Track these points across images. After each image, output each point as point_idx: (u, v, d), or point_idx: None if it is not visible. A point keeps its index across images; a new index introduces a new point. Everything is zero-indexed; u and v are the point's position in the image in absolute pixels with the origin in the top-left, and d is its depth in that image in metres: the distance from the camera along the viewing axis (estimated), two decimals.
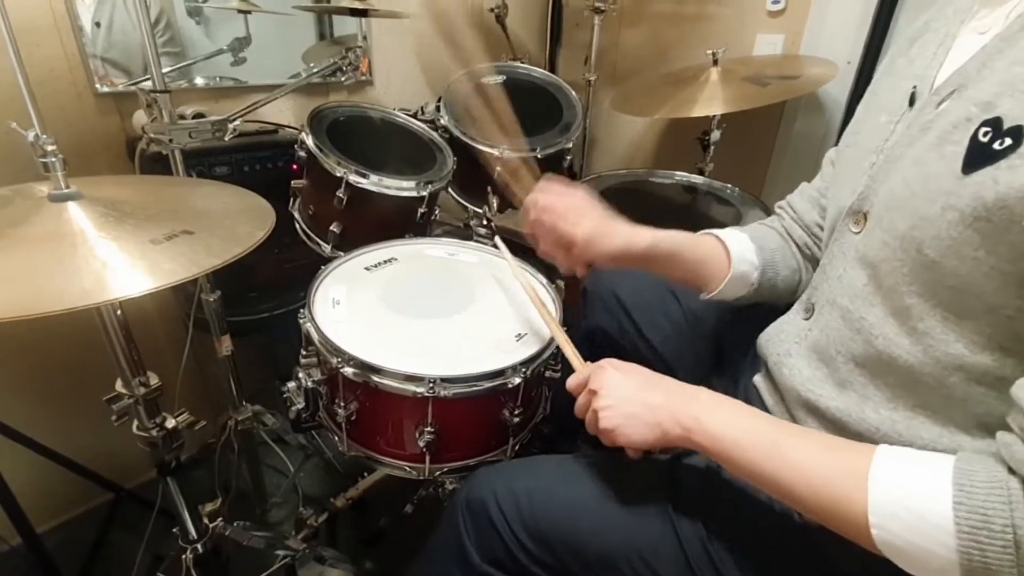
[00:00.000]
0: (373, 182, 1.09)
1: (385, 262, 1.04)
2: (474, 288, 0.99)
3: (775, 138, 1.60)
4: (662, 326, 0.89)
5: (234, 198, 0.80)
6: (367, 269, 1.01)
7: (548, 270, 1.04)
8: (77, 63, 1.12)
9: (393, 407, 0.80)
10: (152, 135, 0.94)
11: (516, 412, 0.82)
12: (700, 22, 1.66)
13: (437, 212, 1.25)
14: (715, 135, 1.49)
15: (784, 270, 0.78)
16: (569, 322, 0.88)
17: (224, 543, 0.99)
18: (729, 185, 1.47)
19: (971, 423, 0.50)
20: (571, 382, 0.71)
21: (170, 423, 0.82)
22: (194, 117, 1.01)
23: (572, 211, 0.74)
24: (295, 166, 1.18)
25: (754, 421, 0.57)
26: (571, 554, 0.66)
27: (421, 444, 0.79)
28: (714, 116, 1.45)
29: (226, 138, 1.00)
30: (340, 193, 1.08)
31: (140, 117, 1.09)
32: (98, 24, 1.14)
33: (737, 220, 1.33)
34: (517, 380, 0.79)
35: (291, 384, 0.88)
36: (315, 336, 0.82)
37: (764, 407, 0.71)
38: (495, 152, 1.28)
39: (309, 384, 0.85)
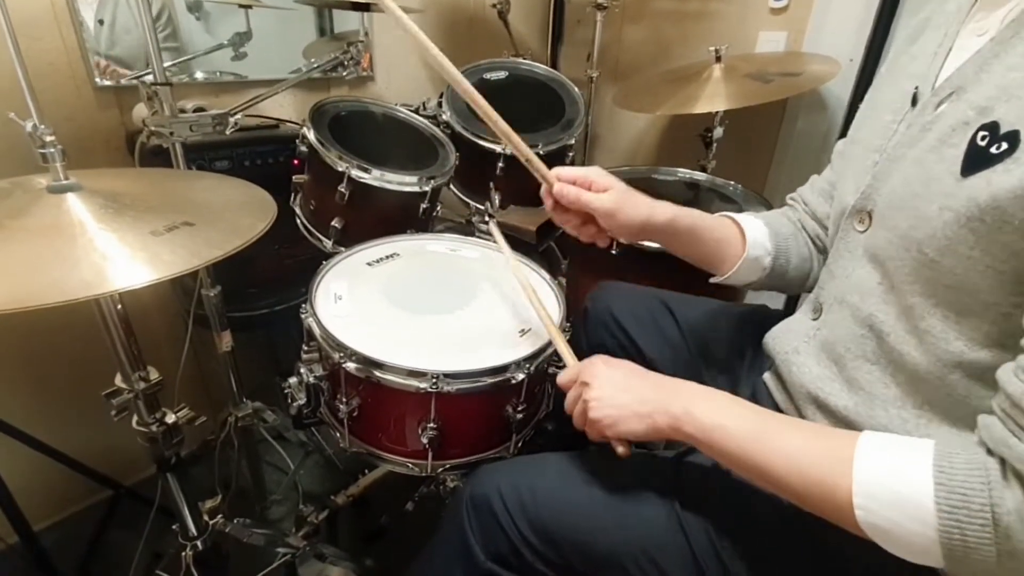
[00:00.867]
0: (375, 177, 1.08)
1: (387, 257, 1.03)
2: (476, 284, 0.98)
3: (777, 135, 1.60)
4: (658, 340, 0.91)
5: (235, 190, 0.80)
6: (369, 264, 1.00)
7: (551, 266, 1.04)
8: (77, 57, 1.11)
9: (395, 403, 0.80)
10: (153, 128, 0.93)
11: (519, 408, 0.81)
12: (702, 19, 1.66)
13: (439, 208, 1.24)
14: (717, 132, 1.48)
15: (796, 259, 0.78)
16: (573, 330, 0.88)
17: (224, 540, 0.99)
18: (732, 182, 1.47)
19: (976, 421, 0.50)
20: (562, 377, 0.71)
21: (170, 418, 0.81)
22: (195, 111, 1.00)
23: (595, 183, 0.74)
24: (296, 161, 1.17)
25: (742, 410, 0.58)
26: (576, 551, 0.65)
27: (423, 440, 0.79)
28: (716, 113, 1.45)
29: (227, 132, 0.99)
30: (342, 188, 1.07)
31: (140, 111, 1.08)
32: (101, 22, 1.14)
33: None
34: (521, 376, 0.78)
35: (292, 380, 0.87)
36: (317, 331, 0.82)
37: (774, 404, 0.71)
38: (498, 149, 1.28)
39: (311, 380, 0.84)
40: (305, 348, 0.87)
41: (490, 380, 0.77)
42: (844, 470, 0.47)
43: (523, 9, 1.86)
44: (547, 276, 1.00)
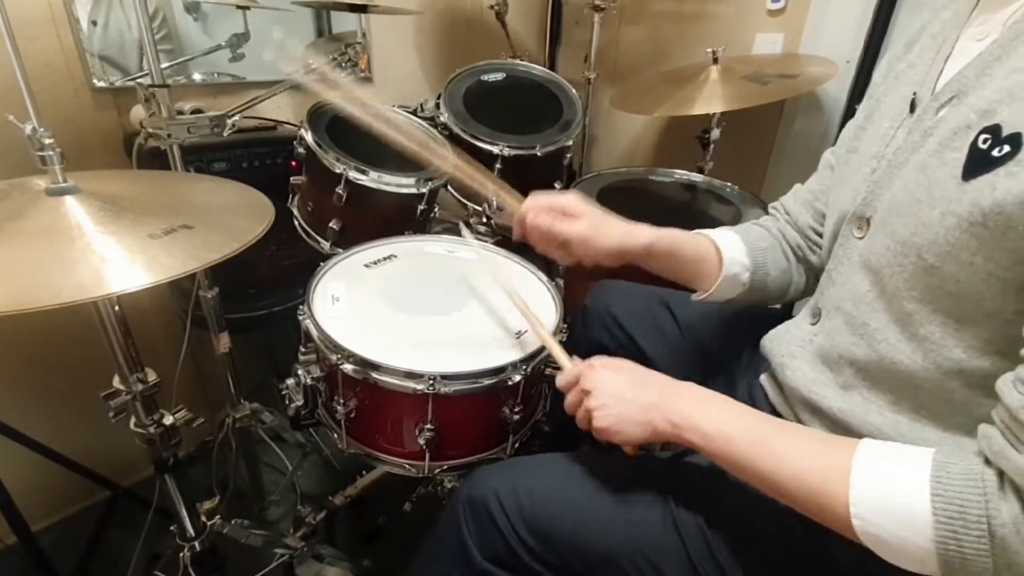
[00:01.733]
0: (373, 179, 1.08)
1: (385, 259, 1.03)
2: (474, 285, 0.98)
3: (775, 137, 1.60)
4: (656, 338, 0.91)
5: (233, 193, 0.80)
6: (367, 266, 1.01)
7: (548, 268, 1.04)
8: (74, 57, 1.11)
9: (393, 404, 0.80)
10: (150, 130, 0.93)
11: (516, 409, 0.82)
12: (700, 20, 1.66)
13: (437, 209, 1.24)
14: (715, 133, 1.49)
15: (774, 271, 0.78)
16: (572, 332, 0.88)
17: (222, 541, 0.99)
18: (729, 183, 1.47)
19: (974, 427, 0.50)
20: (560, 380, 0.71)
21: (168, 420, 0.82)
22: (192, 112, 1.00)
23: (567, 212, 0.75)
24: (294, 162, 1.17)
25: (743, 417, 0.58)
26: (573, 552, 0.66)
27: (421, 441, 0.79)
28: (714, 114, 1.45)
29: (224, 134, 0.99)
30: (339, 190, 1.07)
31: (138, 112, 1.08)
32: (95, 23, 1.14)
33: (737, 218, 1.33)
34: (517, 377, 0.79)
35: (290, 381, 0.87)
36: (314, 332, 0.82)
37: (771, 406, 0.72)
38: (495, 150, 1.28)
39: (308, 381, 0.84)
40: (303, 349, 0.87)
41: (487, 381, 0.78)
42: (842, 479, 0.47)
43: (521, 10, 1.86)
44: (544, 277, 1.01)
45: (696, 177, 1.53)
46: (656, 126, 1.87)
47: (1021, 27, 0.49)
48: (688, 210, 1.44)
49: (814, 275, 0.80)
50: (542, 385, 0.89)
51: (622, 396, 0.64)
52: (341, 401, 0.82)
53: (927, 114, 0.55)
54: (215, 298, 1.10)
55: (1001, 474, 0.42)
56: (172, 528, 0.92)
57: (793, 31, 1.50)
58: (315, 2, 1.39)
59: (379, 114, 0.80)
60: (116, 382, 0.77)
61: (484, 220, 1.35)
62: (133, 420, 0.80)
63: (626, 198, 1.42)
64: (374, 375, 0.77)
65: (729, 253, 0.76)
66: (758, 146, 1.63)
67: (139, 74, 1.18)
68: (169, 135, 0.94)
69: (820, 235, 0.77)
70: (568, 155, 1.42)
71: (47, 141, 0.65)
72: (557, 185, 1.43)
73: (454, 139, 1.30)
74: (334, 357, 0.78)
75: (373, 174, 1.08)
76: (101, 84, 1.15)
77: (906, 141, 0.57)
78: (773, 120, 1.58)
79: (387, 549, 1.26)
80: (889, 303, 0.55)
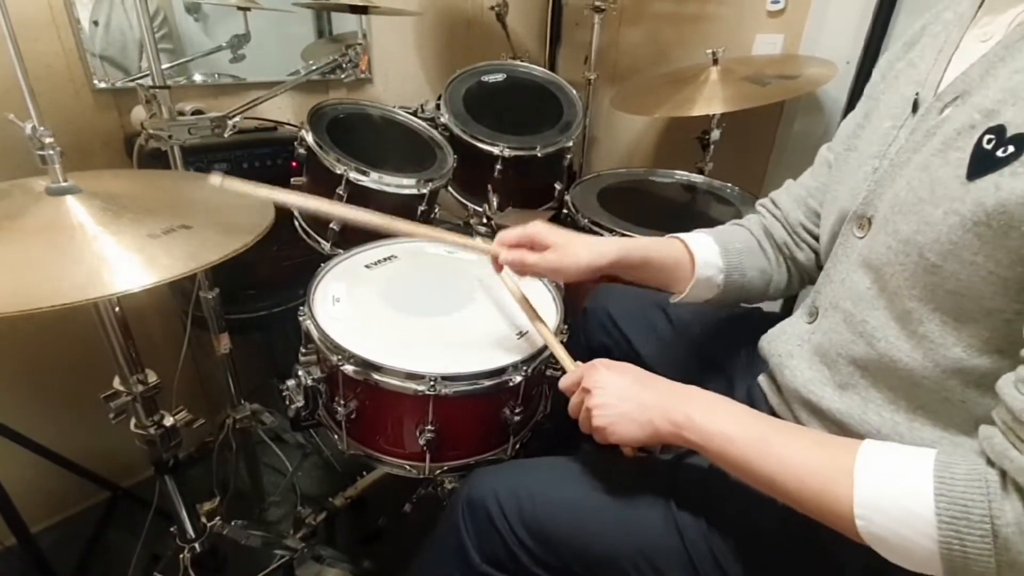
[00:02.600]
0: (373, 180, 1.09)
1: (385, 260, 1.03)
2: (474, 286, 0.98)
3: (774, 137, 1.60)
4: (652, 339, 0.91)
5: (234, 194, 0.80)
6: (367, 267, 1.01)
7: None
8: (75, 58, 1.11)
9: (393, 405, 0.80)
10: (151, 131, 0.93)
11: (517, 411, 0.82)
12: (700, 22, 1.66)
13: (437, 210, 1.24)
14: (715, 134, 1.49)
15: (751, 271, 0.78)
16: (572, 332, 0.89)
17: (222, 542, 0.98)
18: (729, 184, 1.47)
19: (971, 425, 0.50)
20: (564, 382, 0.72)
21: (168, 421, 0.81)
22: (193, 114, 1.00)
23: (534, 242, 0.76)
24: (294, 163, 1.17)
25: (744, 418, 0.58)
26: (573, 554, 0.65)
27: (421, 442, 0.79)
28: (714, 115, 1.45)
29: (225, 135, 0.99)
30: (340, 190, 1.07)
31: (139, 113, 1.08)
32: (96, 23, 1.14)
33: (737, 219, 1.33)
34: (518, 378, 0.79)
35: (290, 382, 0.87)
36: (315, 333, 0.82)
37: (769, 407, 0.72)
38: (496, 151, 1.28)
39: (309, 382, 0.84)
40: (303, 350, 0.87)
41: (488, 382, 0.78)
42: (845, 480, 0.47)
43: (521, 11, 1.86)
44: (546, 279, 1.00)
45: (696, 178, 1.53)
46: (656, 127, 1.87)
47: None
48: (688, 211, 1.44)
49: (799, 272, 0.80)
50: (543, 386, 0.89)
51: (623, 395, 0.64)
52: (342, 402, 0.82)
53: (930, 114, 0.55)
54: (215, 299, 1.10)
55: (1004, 474, 0.42)
56: (172, 529, 0.92)
57: (793, 32, 1.50)
58: (315, 3, 1.40)
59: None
60: (116, 383, 0.77)
61: (485, 221, 1.35)
62: (133, 421, 0.80)
63: (626, 199, 1.42)
64: (375, 376, 0.77)
65: (702, 256, 0.77)
66: (758, 147, 1.63)
67: (140, 75, 1.18)
68: (170, 136, 0.94)
69: (810, 232, 0.78)
70: (568, 156, 1.43)
71: (47, 140, 0.65)
72: (557, 186, 1.43)
73: (454, 140, 1.30)
74: (335, 358, 0.78)
75: (374, 175, 1.08)
76: (102, 85, 1.15)
77: (909, 140, 0.57)
78: (773, 121, 1.58)
79: (387, 550, 1.26)
80: (890, 301, 0.55)
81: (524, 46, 1.85)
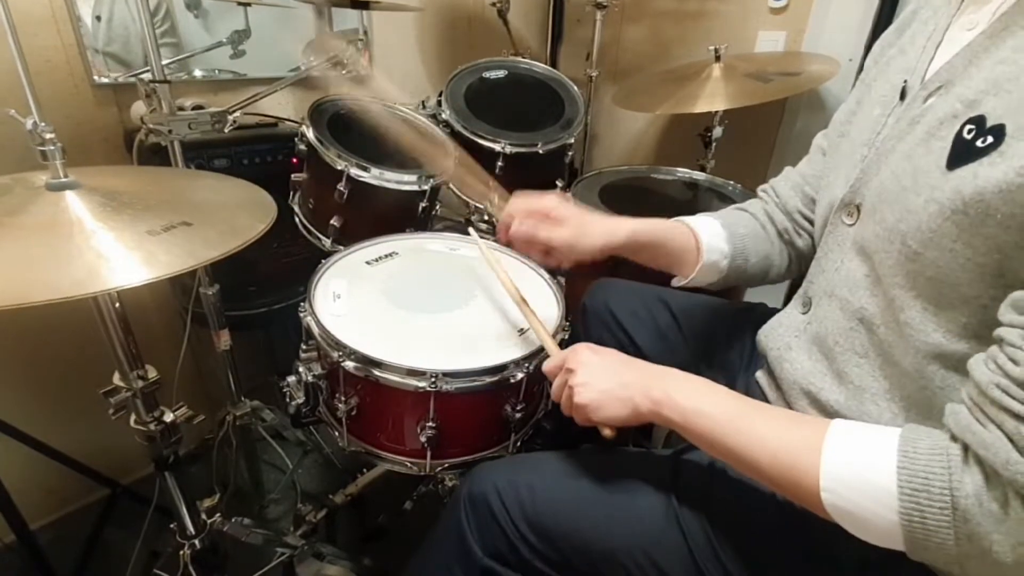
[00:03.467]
0: (374, 176, 1.08)
1: (386, 256, 1.03)
2: (476, 283, 0.98)
3: (777, 135, 1.60)
4: (653, 335, 0.91)
5: (235, 190, 0.80)
6: (368, 263, 1.00)
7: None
8: (75, 54, 1.11)
9: (394, 402, 0.79)
10: (151, 126, 0.93)
11: (518, 407, 0.81)
12: (702, 18, 1.66)
13: (438, 207, 1.24)
14: (717, 131, 1.48)
15: (754, 256, 0.79)
16: (572, 328, 0.89)
17: (222, 540, 0.98)
18: (731, 182, 1.47)
19: None
20: (547, 365, 0.72)
21: (168, 417, 0.81)
22: (193, 109, 1.00)
23: (550, 216, 0.75)
24: (295, 159, 1.17)
25: (721, 396, 0.59)
26: (573, 549, 0.65)
27: (422, 439, 0.79)
28: (716, 112, 1.45)
29: (225, 130, 0.99)
30: (341, 187, 1.07)
31: (139, 108, 1.08)
32: (99, 18, 1.14)
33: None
34: (520, 375, 0.78)
35: (291, 378, 0.87)
36: (316, 330, 0.82)
37: (767, 402, 0.71)
38: (496, 148, 1.28)
39: (309, 378, 0.84)
40: (304, 347, 0.87)
41: (489, 379, 0.77)
42: (813, 455, 0.49)
43: (523, 8, 1.86)
44: (547, 275, 1.00)
45: (698, 175, 1.52)
46: (658, 124, 1.87)
47: (1008, 19, 0.49)
48: (690, 208, 1.42)
49: (798, 258, 0.81)
50: (544, 383, 0.89)
51: (604, 375, 0.64)
52: (342, 399, 0.81)
53: (916, 102, 0.56)
54: (216, 295, 1.10)
55: (966, 448, 0.43)
56: (172, 526, 0.92)
57: (795, 29, 1.50)
58: None
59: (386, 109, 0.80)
60: (116, 379, 0.77)
61: (485, 218, 1.35)
62: (133, 417, 0.80)
63: (628, 196, 1.42)
64: (375, 372, 0.76)
65: (708, 241, 0.77)
66: (760, 144, 1.63)
67: (140, 70, 1.17)
68: (170, 131, 0.94)
69: (807, 219, 0.78)
70: (570, 153, 1.42)
71: (48, 136, 0.65)
72: (559, 183, 1.42)
73: (456, 136, 1.30)
74: (335, 354, 0.78)
75: (375, 171, 1.08)
76: (102, 80, 1.15)
77: (895, 129, 0.57)
78: (775, 118, 1.58)
79: (388, 547, 1.26)
80: (884, 288, 0.55)
81: (526, 42, 1.84)
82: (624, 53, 1.86)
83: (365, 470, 1.26)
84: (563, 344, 0.85)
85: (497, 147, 1.28)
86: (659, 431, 1.25)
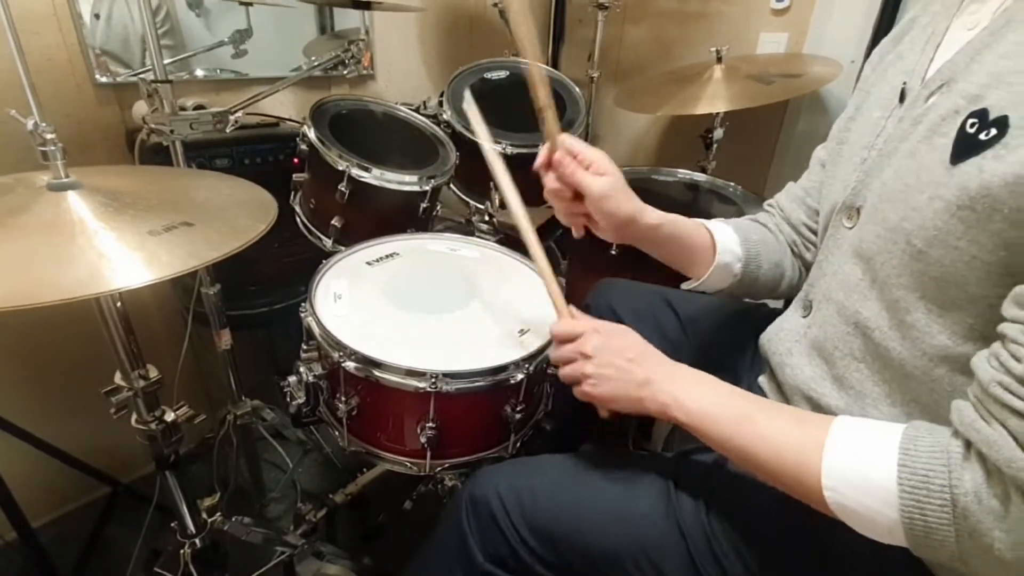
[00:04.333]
0: (375, 176, 1.08)
1: (387, 257, 1.03)
2: (476, 283, 0.98)
3: (778, 137, 1.60)
4: (657, 336, 0.91)
5: (236, 190, 0.80)
6: (369, 264, 1.00)
7: (552, 266, 1.04)
8: (76, 53, 1.11)
9: (394, 402, 0.80)
10: (153, 125, 0.93)
11: (518, 408, 0.81)
12: (704, 20, 1.66)
13: (439, 207, 1.24)
14: (718, 133, 1.48)
15: (766, 264, 0.78)
16: None
17: (222, 538, 0.98)
18: (732, 183, 1.47)
19: None
20: (556, 327, 0.70)
21: (169, 416, 0.81)
22: (195, 109, 1.00)
23: (595, 165, 0.72)
24: (296, 159, 1.17)
25: (727, 395, 0.60)
26: (575, 552, 0.65)
27: (422, 440, 0.79)
28: (717, 114, 1.45)
29: (227, 130, 0.99)
30: (342, 187, 1.07)
31: (140, 108, 1.08)
32: (97, 16, 1.13)
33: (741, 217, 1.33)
34: (520, 376, 0.78)
35: (292, 378, 0.87)
36: (316, 330, 0.82)
37: None
38: (498, 148, 1.28)
39: (310, 378, 0.84)
40: (304, 347, 0.87)
41: (489, 380, 0.77)
42: (816, 453, 0.49)
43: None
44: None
45: (699, 177, 1.52)
46: (659, 125, 1.87)
47: (1011, 14, 0.49)
48: (691, 210, 1.44)
49: (806, 271, 0.80)
50: (544, 384, 0.89)
51: (618, 372, 0.64)
52: (343, 399, 0.81)
53: (917, 102, 0.56)
54: (217, 295, 1.10)
55: (968, 445, 0.43)
56: (173, 525, 0.92)
57: (797, 31, 1.49)
58: None
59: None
60: (118, 378, 0.77)
61: (487, 219, 1.35)
62: (134, 416, 0.80)
63: None
64: (376, 373, 0.76)
65: (723, 242, 0.77)
66: (761, 146, 1.62)
67: (142, 70, 1.18)
68: (171, 131, 0.94)
69: (813, 231, 0.78)
70: None
71: (49, 136, 0.65)
72: None
73: (457, 137, 1.30)
74: (336, 354, 0.78)
75: (376, 171, 1.08)
76: (103, 79, 1.15)
77: (896, 129, 0.57)
78: (776, 120, 1.58)
79: (387, 547, 1.26)
80: (880, 291, 0.55)
81: None
82: (625, 54, 1.86)
83: (365, 470, 1.26)
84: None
85: (498, 148, 1.28)
86: (659, 431, 1.25)
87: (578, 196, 0.73)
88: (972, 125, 0.46)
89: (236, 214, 0.72)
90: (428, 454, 0.81)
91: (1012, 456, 0.40)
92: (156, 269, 0.57)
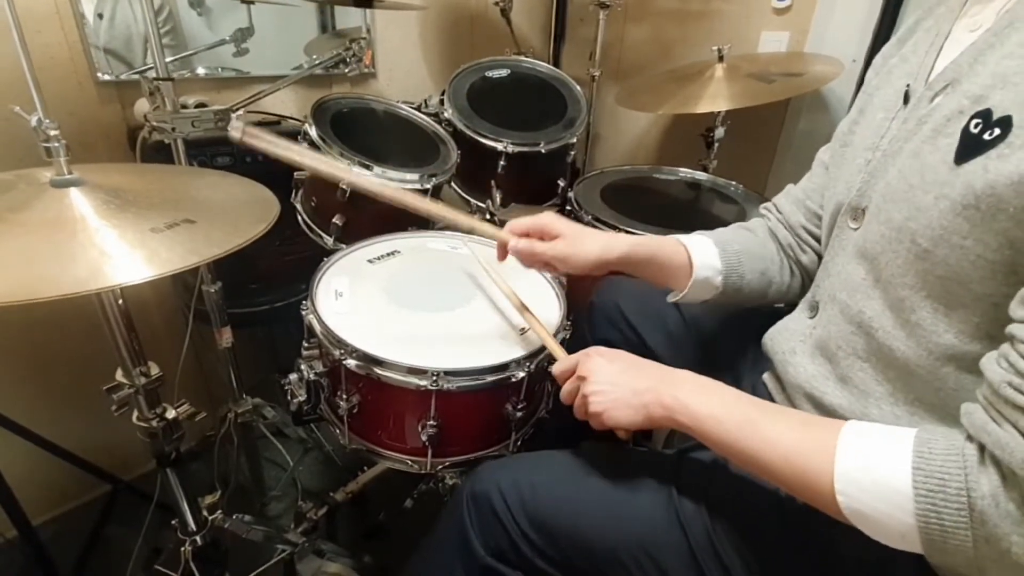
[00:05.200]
0: (376, 174, 1.08)
1: (388, 255, 1.03)
2: (477, 282, 0.98)
3: (779, 135, 1.60)
4: (662, 334, 0.92)
5: (237, 188, 0.80)
6: (370, 262, 1.01)
7: None
8: (79, 51, 1.11)
9: (396, 400, 0.80)
10: (155, 123, 0.93)
11: (519, 406, 0.81)
12: (705, 18, 1.66)
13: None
14: (719, 132, 1.48)
15: (750, 273, 0.78)
16: (576, 329, 0.89)
17: (223, 536, 0.99)
18: (733, 182, 1.47)
19: None
20: (557, 368, 0.72)
21: (170, 414, 0.82)
22: (196, 107, 1.00)
23: (544, 232, 0.76)
24: None
25: (733, 400, 0.59)
26: (574, 547, 0.66)
27: (423, 438, 0.79)
28: (718, 113, 1.45)
29: (228, 128, 0.99)
30: (343, 185, 1.07)
31: (142, 106, 1.08)
32: (100, 16, 1.14)
33: (740, 217, 1.33)
34: (521, 374, 0.78)
35: (293, 376, 0.87)
36: (318, 328, 0.82)
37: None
38: (499, 147, 1.28)
39: (311, 376, 0.84)
40: (305, 345, 0.87)
41: (490, 378, 0.78)
42: (827, 457, 0.48)
43: (525, 7, 1.85)
44: (548, 275, 1.00)
45: (700, 175, 1.52)
46: (660, 124, 1.87)
47: (1014, 15, 0.49)
48: (692, 209, 1.44)
49: (802, 275, 0.81)
50: (545, 382, 0.89)
51: (617, 381, 0.65)
52: (344, 396, 0.82)
53: (921, 103, 0.56)
54: (218, 292, 1.10)
55: (982, 448, 0.43)
56: (173, 522, 0.93)
57: (799, 30, 1.49)
58: None
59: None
60: (119, 375, 0.77)
61: (488, 217, 1.35)
62: (135, 414, 0.80)
63: (630, 196, 1.41)
64: (377, 371, 0.76)
65: (700, 258, 0.77)
66: (762, 145, 1.62)
67: (143, 67, 1.18)
68: (173, 129, 0.94)
69: (811, 235, 0.78)
70: (572, 152, 1.42)
71: (52, 133, 0.65)
72: (561, 182, 1.42)
73: (458, 135, 1.30)
74: (337, 352, 0.78)
75: (377, 170, 1.08)
76: (106, 77, 1.15)
77: (900, 130, 0.57)
78: (778, 119, 1.58)
79: (388, 545, 1.26)
80: (884, 291, 0.55)
81: (528, 42, 1.84)
82: (627, 53, 1.85)
83: (366, 468, 1.26)
84: (563, 343, 0.85)
85: (499, 146, 1.28)
86: (660, 430, 1.25)
87: (548, 261, 0.77)
88: (976, 125, 0.47)
89: (238, 212, 0.72)
90: (429, 452, 0.81)
91: None
92: (157, 266, 0.57)
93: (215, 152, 1.18)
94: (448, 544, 0.72)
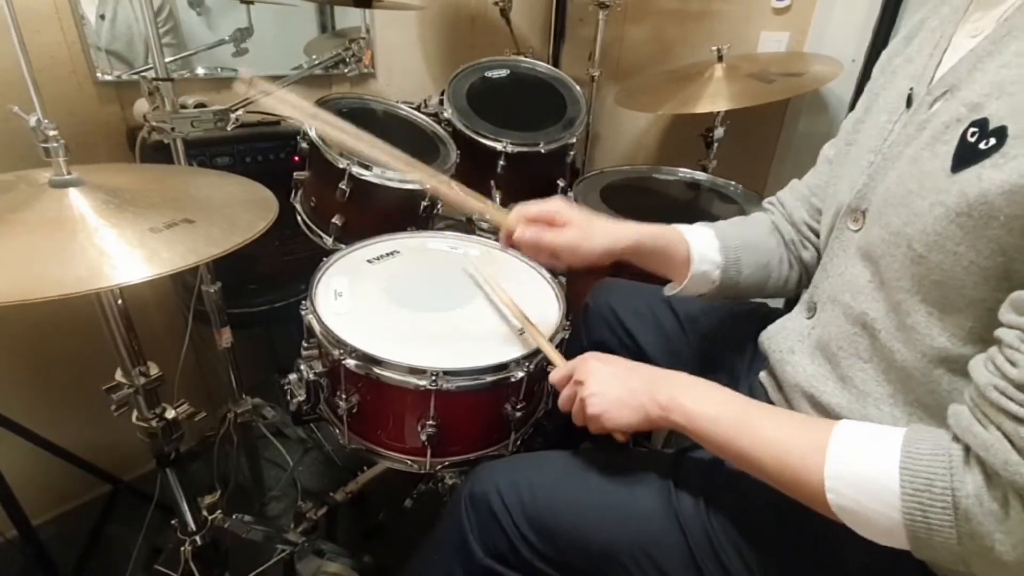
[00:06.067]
0: (376, 174, 1.08)
1: (387, 255, 1.03)
2: (476, 282, 0.98)
3: (779, 135, 1.60)
4: (657, 335, 0.92)
5: (237, 188, 0.80)
6: (369, 262, 1.01)
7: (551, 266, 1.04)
8: (78, 51, 1.11)
9: (395, 400, 0.80)
10: (154, 123, 0.93)
11: (518, 406, 0.81)
12: (705, 19, 1.66)
13: (440, 205, 1.24)
14: (719, 132, 1.48)
15: (748, 268, 0.78)
16: (574, 327, 0.89)
17: (223, 536, 0.99)
18: (732, 182, 1.47)
19: None
20: (555, 376, 0.73)
21: (170, 414, 0.82)
22: (196, 107, 1.00)
23: (553, 220, 0.75)
24: (297, 157, 1.17)
25: (727, 399, 0.60)
26: (574, 548, 0.66)
27: (423, 437, 0.79)
28: (718, 113, 1.45)
29: (228, 128, 0.99)
30: (343, 185, 1.07)
31: (142, 106, 1.08)
32: (102, 17, 1.14)
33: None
34: (520, 374, 0.78)
35: (292, 376, 0.87)
36: (317, 328, 0.82)
37: (770, 403, 0.71)
38: (499, 147, 1.28)
39: (310, 376, 0.84)
40: (305, 345, 0.87)
41: (490, 378, 0.78)
42: (818, 456, 0.50)
43: (525, 7, 1.85)
44: (547, 275, 1.00)
45: (700, 175, 1.52)
46: (660, 124, 1.87)
47: (1013, 23, 0.49)
48: (691, 208, 1.44)
49: (802, 271, 0.81)
50: (545, 382, 0.89)
51: (613, 383, 0.65)
52: (343, 396, 0.82)
53: (922, 108, 0.56)
54: (217, 293, 1.10)
55: (967, 449, 0.44)
56: (173, 522, 0.93)
57: (798, 30, 1.49)
58: None
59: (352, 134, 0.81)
60: (118, 376, 0.77)
61: (487, 217, 1.35)
62: (135, 413, 0.80)
63: (629, 196, 1.42)
64: (377, 371, 0.77)
65: (699, 251, 0.77)
66: (762, 145, 1.62)
67: (143, 68, 1.18)
68: (173, 129, 0.94)
69: (813, 231, 0.78)
70: (571, 152, 1.42)
71: (51, 133, 0.65)
72: (560, 182, 1.42)
73: (457, 135, 1.30)
74: (337, 352, 0.78)
75: (376, 169, 1.08)
76: (105, 77, 1.15)
77: (901, 134, 0.58)
78: (777, 119, 1.58)
79: (388, 545, 1.26)
80: (887, 293, 0.56)
81: (528, 42, 1.84)
82: (626, 53, 1.85)
83: (365, 468, 1.27)
84: (563, 343, 0.85)
85: (499, 146, 1.28)
86: (659, 431, 1.25)
87: (554, 251, 0.75)
88: (973, 134, 0.47)
89: (237, 212, 0.72)
90: (428, 452, 0.81)
91: (1007, 459, 0.41)
92: (156, 265, 0.57)
93: (214, 152, 1.18)
94: (447, 546, 0.72)
